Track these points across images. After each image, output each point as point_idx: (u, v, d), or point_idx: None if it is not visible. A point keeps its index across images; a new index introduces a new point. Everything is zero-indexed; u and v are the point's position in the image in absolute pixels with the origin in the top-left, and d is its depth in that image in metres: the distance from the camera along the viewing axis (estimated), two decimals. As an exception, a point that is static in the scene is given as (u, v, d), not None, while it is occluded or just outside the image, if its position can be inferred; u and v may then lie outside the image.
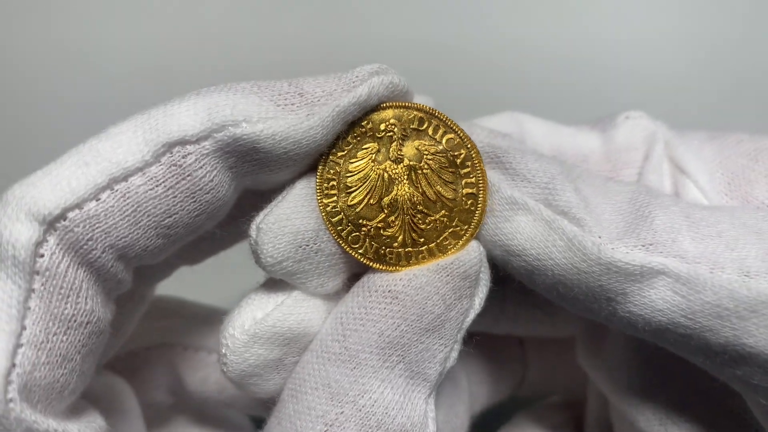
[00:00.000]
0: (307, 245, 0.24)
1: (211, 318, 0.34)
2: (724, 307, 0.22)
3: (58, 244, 0.21)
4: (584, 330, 0.31)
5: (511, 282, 0.32)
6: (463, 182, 0.25)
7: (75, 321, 0.21)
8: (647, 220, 0.23)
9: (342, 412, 0.23)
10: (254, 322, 0.24)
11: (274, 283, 0.26)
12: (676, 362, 0.26)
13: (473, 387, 0.34)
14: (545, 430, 0.36)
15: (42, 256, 0.20)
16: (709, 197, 0.27)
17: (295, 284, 0.25)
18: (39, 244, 0.20)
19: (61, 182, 0.21)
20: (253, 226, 0.24)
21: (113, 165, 0.21)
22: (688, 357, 0.24)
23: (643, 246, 0.23)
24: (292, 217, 0.24)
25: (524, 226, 0.24)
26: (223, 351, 0.25)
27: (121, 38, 0.50)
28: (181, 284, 0.33)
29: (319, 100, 0.23)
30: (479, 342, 0.35)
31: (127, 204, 0.22)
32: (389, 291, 0.24)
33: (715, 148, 0.28)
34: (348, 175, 0.25)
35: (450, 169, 0.25)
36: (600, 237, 0.23)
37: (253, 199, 0.26)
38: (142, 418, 0.31)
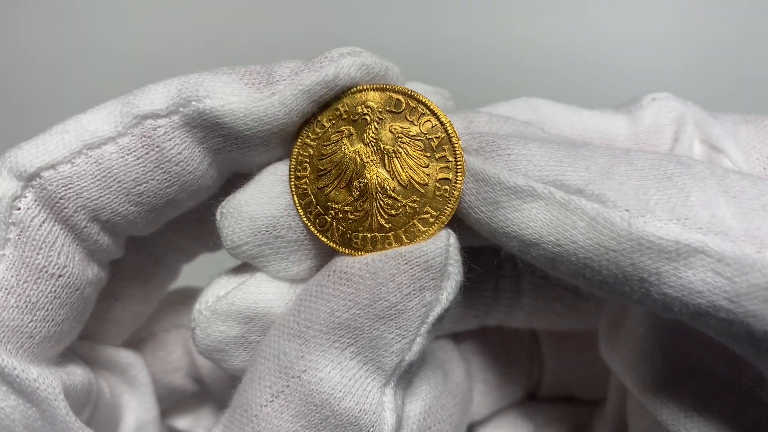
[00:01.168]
0: (267, 231, 0.25)
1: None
2: None
3: (35, 200, 0.23)
4: (607, 321, 0.29)
5: (528, 275, 0.29)
6: (437, 167, 0.24)
7: (46, 271, 0.23)
8: (681, 192, 0.21)
9: (288, 385, 0.23)
10: (216, 299, 0.25)
11: (244, 266, 0.26)
12: (703, 352, 0.24)
13: (477, 385, 0.32)
14: (536, 426, 0.33)
15: (19, 209, 0.23)
16: None
17: (258, 267, 0.26)
18: (17, 198, 0.23)
19: (41, 146, 0.23)
20: (218, 210, 0.25)
21: (89, 133, 0.24)
22: (728, 342, 0.22)
23: (678, 220, 0.20)
24: (250, 203, 0.24)
25: (536, 213, 0.22)
26: (192, 325, 0.26)
27: (121, 38, 0.54)
28: (204, 275, 0.35)
29: (284, 80, 0.24)
30: (486, 339, 0.33)
31: (99, 169, 0.24)
32: (344, 272, 0.23)
33: (750, 130, 0.26)
34: (321, 158, 0.25)
35: (425, 153, 0.24)
36: (627, 210, 0.21)
37: (243, 182, 0.27)
38: (154, 395, 0.32)
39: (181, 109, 0.24)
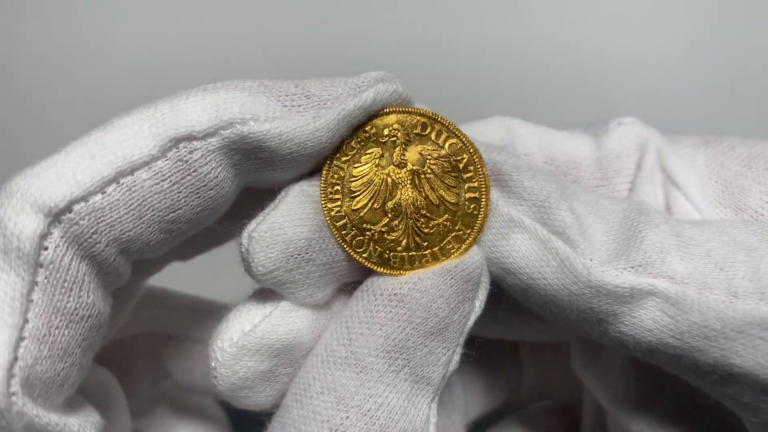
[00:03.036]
0: (299, 254, 0.24)
1: (197, 308, 0.34)
2: (711, 327, 0.22)
3: (62, 237, 0.20)
4: (578, 337, 0.31)
5: (504, 290, 0.32)
6: (465, 186, 0.26)
7: (77, 314, 0.21)
8: (637, 239, 0.23)
9: (347, 417, 0.23)
10: (242, 334, 0.24)
11: (263, 294, 0.25)
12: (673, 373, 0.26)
13: (467, 394, 0.34)
14: None
15: (46, 248, 0.20)
16: (700, 209, 0.27)
17: (284, 294, 0.25)
18: (43, 236, 0.20)
19: (67, 174, 0.20)
20: (245, 235, 0.23)
21: (119, 158, 0.21)
22: (680, 375, 0.25)
23: (633, 268, 0.23)
24: (285, 226, 0.23)
25: (520, 245, 0.24)
26: (213, 364, 0.24)
27: (122, 38, 0.49)
28: (172, 277, 0.33)
29: (325, 103, 0.23)
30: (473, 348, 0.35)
31: (133, 198, 0.21)
32: (395, 294, 0.24)
33: (708, 154, 0.28)
34: (352, 179, 0.25)
35: (453, 174, 0.26)
36: (591, 259, 0.23)
37: (252, 196, 0.26)
38: (128, 409, 0.30)
39: (221, 131, 0.22)
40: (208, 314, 0.32)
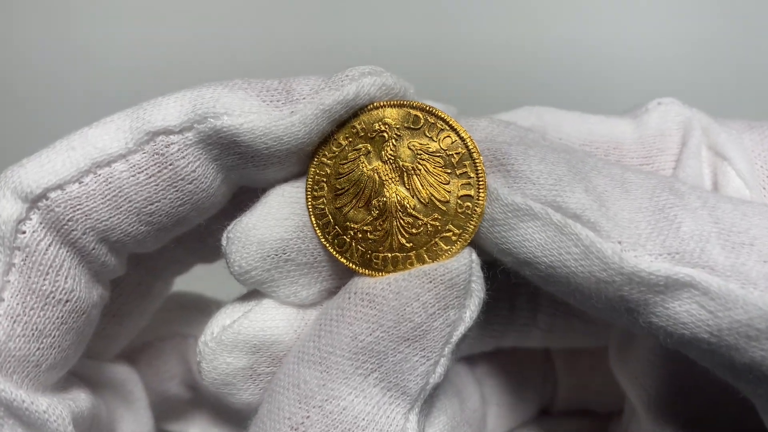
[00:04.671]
0: (276, 255, 0.24)
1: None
2: (755, 327, 0.20)
3: (40, 223, 0.22)
4: (618, 332, 0.29)
5: (545, 293, 0.29)
6: (459, 183, 0.24)
7: (53, 297, 0.22)
8: (673, 224, 0.21)
9: (308, 416, 0.22)
10: (222, 329, 0.24)
11: (251, 292, 0.25)
12: (705, 372, 0.24)
13: (491, 408, 0.32)
14: None
15: (24, 232, 0.22)
16: (750, 186, 0.25)
17: (266, 293, 0.24)
18: (21, 221, 0.22)
19: (47, 164, 0.22)
20: (224, 236, 0.24)
21: (97, 150, 0.22)
22: (711, 368, 0.22)
23: (669, 255, 0.21)
24: (258, 227, 0.23)
25: (532, 233, 0.22)
26: (198, 358, 0.25)
27: (122, 38, 0.52)
28: (200, 282, 0.34)
29: (304, 98, 0.23)
30: (500, 360, 0.33)
31: (109, 189, 0.22)
32: (366, 294, 0.23)
33: (755, 138, 0.26)
34: (338, 176, 0.24)
35: (446, 170, 0.24)
36: (620, 243, 0.21)
37: (251, 197, 0.26)
38: (149, 408, 0.31)
39: (196, 125, 0.22)
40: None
